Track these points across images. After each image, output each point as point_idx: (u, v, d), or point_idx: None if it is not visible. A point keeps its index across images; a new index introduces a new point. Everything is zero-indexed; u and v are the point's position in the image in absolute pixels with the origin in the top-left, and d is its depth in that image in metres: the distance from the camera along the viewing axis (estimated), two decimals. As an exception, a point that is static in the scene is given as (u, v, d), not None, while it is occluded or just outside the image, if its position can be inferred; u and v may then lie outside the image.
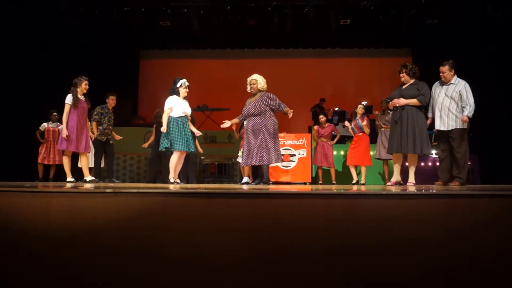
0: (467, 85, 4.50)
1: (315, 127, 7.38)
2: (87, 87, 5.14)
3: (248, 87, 4.96)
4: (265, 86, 4.92)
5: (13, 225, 2.09)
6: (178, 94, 5.04)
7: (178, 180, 5.12)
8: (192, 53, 11.01)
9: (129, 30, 9.22)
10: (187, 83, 5.08)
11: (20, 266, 2.05)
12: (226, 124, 5.05)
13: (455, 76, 4.56)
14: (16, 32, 8.51)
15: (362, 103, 9.42)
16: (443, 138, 4.64)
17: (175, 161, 4.97)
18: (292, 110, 4.82)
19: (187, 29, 9.28)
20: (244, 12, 8.96)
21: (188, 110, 5.10)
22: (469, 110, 4.45)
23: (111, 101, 6.35)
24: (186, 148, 4.94)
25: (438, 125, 4.61)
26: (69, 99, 4.99)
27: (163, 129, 4.88)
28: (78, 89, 5.04)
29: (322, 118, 7.31)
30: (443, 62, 4.61)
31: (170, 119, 4.92)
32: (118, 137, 6.39)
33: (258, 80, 4.89)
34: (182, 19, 9.00)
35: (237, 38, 10.24)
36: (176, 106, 4.95)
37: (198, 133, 5.39)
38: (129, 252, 2.03)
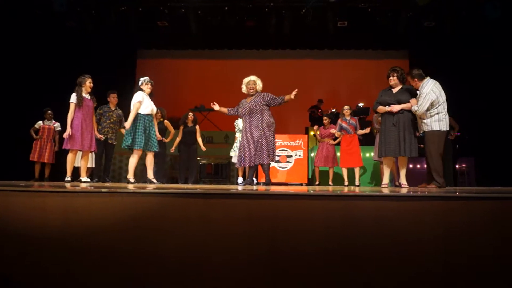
0: (425, 90, 4.30)
1: (319, 128, 7.33)
2: (92, 84, 5.15)
3: (244, 87, 4.93)
4: (261, 86, 4.93)
5: (8, 225, 2.08)
6: (143, 91, 4.97)
7: (154, 180, 5.02)
8: (189, 53, 11.01)
9: (126, 30, 9.20)
10: (148, 79, 5.03)
11: (16, 266, 2.04)
12: (216, 107, 4.98)
13: (422, 83, 4.40)
14: (14, 32, 8.49)
15: (359, 104, 9.49)
16: (422, 142, 4.65)
17: (134, 161, 4.82)
18: (295, 92, 4.74)
19: (184, 29, 9.28)
20: (241, 13, 8.98)
21: (154, 108, 5.03)
22: (413, 108, 4.37)
23: (112, 99, 6.34)
24: (144, 147, 4.80)
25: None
26: (73, 98, 4.98)
27: (127, 125, 4.72)
28: (83, 88, 5.06)
29: (326, 119, 7.29)
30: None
31: (137, 115, 4.79)
32: None
33: (257, 82, 4.90)
34: (180, 19, 9.00)
35: (234, 39, 10.26)
36: (144, 102, 4.86)
37: (159, 136, 5.28)
38: (125, 252, 2.02)
